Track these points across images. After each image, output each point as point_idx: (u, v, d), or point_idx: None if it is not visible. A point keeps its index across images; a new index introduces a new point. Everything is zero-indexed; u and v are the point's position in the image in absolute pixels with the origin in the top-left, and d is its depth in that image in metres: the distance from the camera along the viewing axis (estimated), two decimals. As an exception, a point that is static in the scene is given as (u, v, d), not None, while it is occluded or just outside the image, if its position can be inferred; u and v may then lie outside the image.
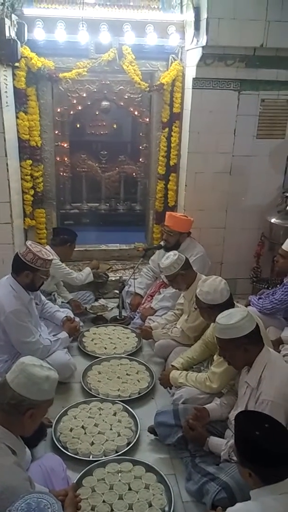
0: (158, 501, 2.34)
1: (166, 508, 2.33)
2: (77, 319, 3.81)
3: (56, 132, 4.85)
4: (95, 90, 4.81)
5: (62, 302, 4.09)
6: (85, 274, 4.32)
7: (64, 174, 5.37)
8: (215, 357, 2.84)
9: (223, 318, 2.36)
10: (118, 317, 4.29)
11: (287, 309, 3.56)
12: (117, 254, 5.17)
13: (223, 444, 2.44)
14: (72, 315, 3.73)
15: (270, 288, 4.10)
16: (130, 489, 2.40)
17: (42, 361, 1.98)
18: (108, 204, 5.85)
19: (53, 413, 2.95)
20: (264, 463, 1.65)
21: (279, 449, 1.64)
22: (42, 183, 4.62)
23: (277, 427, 1.73)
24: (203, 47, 3.84)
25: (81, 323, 4.00)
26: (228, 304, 2.76)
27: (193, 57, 4.13)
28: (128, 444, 2.75)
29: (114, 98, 4.97)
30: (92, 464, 2.54)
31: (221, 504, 2.20)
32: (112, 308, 4.42)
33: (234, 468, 2.31)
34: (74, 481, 2.37)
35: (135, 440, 2.78)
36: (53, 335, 3.41)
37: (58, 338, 3.36)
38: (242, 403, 2.43)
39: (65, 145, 5.24)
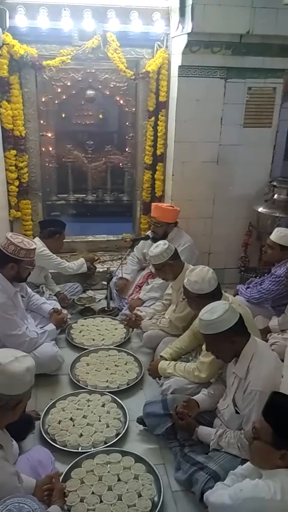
0: (147, 491, 2.34)
1: (156, 498, 2.32)
2: (64, 311, 3.78)
3: (41, 121, 4.76)
4: (79, 78, 4.72)
5: (50, 294, 4.04)
6: (78, 264, 4.25)
7: (50, 164, 5.29)
8: (203, 347, 2.83)
9: (205, 313, 2.35)
10: (106, 308, 4.27)
11: (275, 298, 3.58)
12: (104, 245, 5.13)
13: (212, 433, 2.44)
14: (59, 307, 3.70)
15: (258, 277, 4.11)
16: (119, 480, 2.39)
17: (14, 351, 1.95)
18: (95, 195, 5.78)
19: (41, 405, 2.94)
20: None
21: None
22: (27, 174, 4.54)
23: None
24: (188, 34, 3.79)
25: (69, 315, 3.98)
26: (216, 293, 2.75)
27: (178, 44, 4.08)
28: (117, 435, 2.74)
29: (100, 87, 4.88)
30: (81, 456, 2.52)
31: (210, 493, 2.23)
32: (100, 300, 4.40)
33: (222, 457, 2.32)
34: (63, 473, 2.36)
35: (124, 431, 2.78)
36: (40, 328, 3.38)
37: (45, 330, 3.33)
38: (231, 393, 2.44)
39: (50, 135, 5.15)
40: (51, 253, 3.97)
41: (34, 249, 3.12)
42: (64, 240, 4.21)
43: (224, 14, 3.70)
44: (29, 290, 3.54)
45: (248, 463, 1.94)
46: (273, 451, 1.72)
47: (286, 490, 1.65)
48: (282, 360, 2.29)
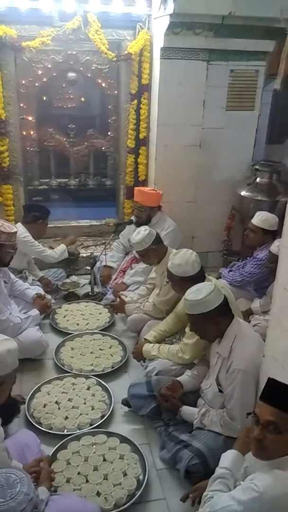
0: (132, 470, 2.39)
1: (141, 477, 2.37)
2: (48, 296, 3.78)
3: (21, 104, 4.68)
4: (60, 60, 4.63)
5: (33, 280, 4.03)
6: (59, 251, 4.21)
7: (31, 149, 5.22)
8: (187, 329, 2.86)
9: (191, 294, 2.38)
10: (90, 293, 4.27)
11: (257, 281, 3.63)
12: (88, 230, 5.11)
13: (195, 412, 2.49)
14: (42, 292, 3.69)
15: (240, 260, 4.16)
16: (104, 460, 2.44)
17: None
18: (77, 180, 5.74)
19: (26, 390, 2.96)
20: None
21: None
22: (7, 158, 4.46)
23: None
24: (170, 15, 3.74)
25: (53, 300, 3.97)
26: (200, 276, 2.78)
27: (160, 25, 4.02)
28: (102, 417, 2.78)
29: (81, 69, 4.80)
30: (67, 438, 2.56)
31: (194, 470, 2.29)
32: (84, 285, 4.40)
33: (206, 435, 2.38)
34: (49, 455, 2.39)
35: (109, 413, 2.81)
36: (24, 313, 3.37)
37: (29, 315, 3.33)
38: (214, 372, 2.49)
39: (31, 119, 5.07)
40: (33, 240, 3.94)
41: (15, 232, 3.09)
42: (47, 226, 4.16)
43: (206, -5, 3.66)
44: (12, 275, 3.51)
45: (227, 463, 1.86)
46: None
47: None
48: (264, 340, 2.35)
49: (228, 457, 1.89)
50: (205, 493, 1.81)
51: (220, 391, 2.42)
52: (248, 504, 1.56)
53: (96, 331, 3.68)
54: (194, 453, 2.30)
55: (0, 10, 3.95)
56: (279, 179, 4.27)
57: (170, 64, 4.11)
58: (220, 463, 1.90)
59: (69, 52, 4.55)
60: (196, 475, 2.31)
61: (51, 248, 4.69)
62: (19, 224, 3.91)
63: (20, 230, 3.64)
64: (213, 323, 2.37)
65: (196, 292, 2.37)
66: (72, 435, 2.58)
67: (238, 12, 3.76)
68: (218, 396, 2.45)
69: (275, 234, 3.50)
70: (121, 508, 2.21)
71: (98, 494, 2.24)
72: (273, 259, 3.06)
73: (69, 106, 5.52)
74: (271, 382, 1.70)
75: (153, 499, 2.33)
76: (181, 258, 2.80)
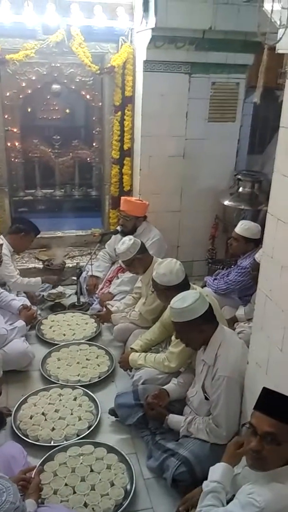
0: (120, 480, 2.39)
1: (128, 486, 2.38)
2: (33, 307, 3.77)
3: (6, 116, 4.70)
4: (44, 72, 4.67)
5: (18, 292, 4.00)
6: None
7: (16, 160, 5.22)
8: (172, 337, 2.89)
9: (176, 302, 2.41)
10: (76, 303, 4.27)
11: (241, 289, 3.68)
12: (73, 241, 5.12)
13: (181, 421, 2.51)
14: (28, 303, 3.68)
15: (225, 269, 4.21)
16: (92, 470, 2.43)
17: None
18: (63, 190, 5.75)
19: (12, 401, 2.94)
20: None
21: None
22: (-8, 169, 4.48)
23: None
24: (152, 29, 3.81)
25: (38, 311, 3.96)
26: (184, 284, 2.81)
27: (143, 39, 4.10)
28: (89, 427, 2.78)
29: (65, 81, 4.85)
30: (54, 450, 2.55)
31: (181, 478, 2.30)
32: (70, 295, 4.39)
33: (192, 443, 2.40)
34: (37, 467, 2.37)
35: (96, 423, 2.82)
36: (10, 324, 3.36)
37: (15, 326, 3.32)
38: (199, 380, 2.51)
39: (16, 130, 5.08)
40: (10, 262, 3.80)
41: (1, 245, 3.09)
42: (30, 242, 4.08)
43: (187, 10, 3.73)
44: (-3, 287, 3.51)
45: (218, 476, 1.84)
46: (284, 448, 1.60)
47: None
48: (248, 347, 2.38)
49: (218, 470, 1.86)
50: (198, 509, 1.78)
51: (206, 398, 2.45)
52: None
53: (82, 341, 3.68)
54: (181, 461, 2.32)
55: (-16, 24, 3.98)
56: (261, 188, 4.35)
57: (152, 77, 4.18)
58: (209, 476, 1.88)
59: (53, 65, 4.59)
60: (183, 483, 2.32)
61: (37, 259, 4.71)
62: (1, 237, 3.86)
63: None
64: (198, 330, 2.40)
65: (181, 300, 2.40)
66: (59, 446, 2.58)
67: (218, 26, 3.86)
68: (204, 404, 2.47)
69: (258, 242, 3.56)
70: (108, 519, 2.21)
71: (86, 505, 2.24)
72: (257, 267, 3.11)
73: (53, 117, 5.56)
74: (267, 392, 1.70)
75: (141, 508, 2.34)
76: (166, 268, 2.84)
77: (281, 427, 1.59)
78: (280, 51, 1.83)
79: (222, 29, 3.91)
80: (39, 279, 4.03)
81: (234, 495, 1.74)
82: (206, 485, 1.84)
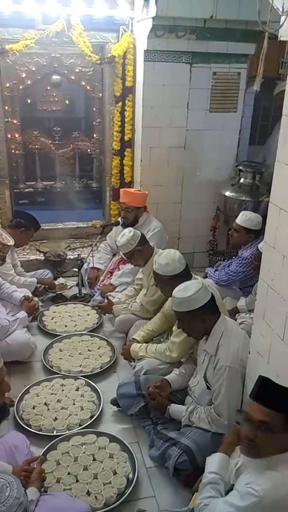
0: (122, 468, 2.41)
1: (131, 475, 2.40)
2: (35, 298, 3.78)
3: (6, 107, 4.67)
4: (44, 63, 4.64)
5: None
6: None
7: (16, 151, 5.20)
8: (174, 327, 2.90)
9: (179, 291, 2.42)
10: (77, 295, 4.28)
11: (242, 280, 3.69)
12: (74, 232, 5.12)
13: (183, 410, 2.52)
14: (30, 295, 3.68)
15: (226, 260, 4.21)
16: (94, 459, 2.45)
17: None
18: (63, 182, 5.73)
19: (15, 392, 2.94)
20: None
21: None
22: (-8, 161, 4.46)
23: None
24: (153, 18, 3.78)
25: (40, 303, 3.97)
26: (187, 272, 2.83)
27: (143, 28, 4.06)
28: (92, 417, 2.79)
29: (65, 71, 4.81)
30: (56, 439, 2.57)
31: (183, 467, 2.32)
32: (71, 286, 4.40)
33: (194, 432, 2.41)
34: (42, 456, 2.39)
35: (98, 413, 2.83)
36: (12, 315, 3.38)
37: (16, 318, 3.34)
38: (201, 370, 2.52)
39: (16, 122, 5.05)
40: (8, 261, 3.76)
41: (10, 246, 3.09)
42: (31, 238, 4.08)
43: (188, -2, 3.71)
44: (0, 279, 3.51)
45: (215, 467, 1.87)
46: (279, 436, 1.62)
47: None
48: (250, 337, 2.39)
49: (215, 461, 1.89)
50: (198, 501, 1.80)
51: (208, 388, 2.46)
52: (249, 510, 1.54)
53: (84, 332, 3.69)
54: (183, 450, 2.34)
55: (-17, 14, 3.95)
56: (262, 179, 4.34)
57: (153, 67, 4.15)
58: (207, 467, 1.91)
59: (53, 55, 4.56)
60: (184, 472, 2.35)
61: (39, 250, 4.71)
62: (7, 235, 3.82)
63: None
64: (200, 320, 2.41)
65: (184, 290, 2.40)
66: (62, 436, 2.60)
67: (219, 15, 3.82)
68: (205, 393, 2.48)
69: (259, 233, 3.56)
70: (111, 507, 2.23)
71: (88, 493, 2.26)
72: (260, 257, 3.11)
73: (53, 108, 5.52)
74: (262, 381, 1.70)
75: (143, 497, 2.36)
76: (167, 257, 2.84)
77: (275, 416, 1.60)
78: (282, 39, 1.81)
79: (223, 18, 3.88)
80: (34, 279, 3.99)
81: (233, 485, 1.76)
82: (204, 477, 1.87)
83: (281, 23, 1.76)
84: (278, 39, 1.87)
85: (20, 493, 1.43)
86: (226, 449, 1.95)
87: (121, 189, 4.28)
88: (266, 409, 1.62)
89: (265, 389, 1.67)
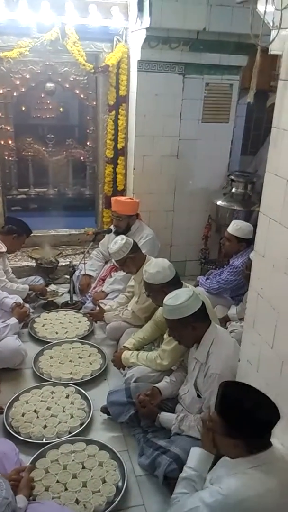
0: (111, 477, 2.40)
1: (120, 483, 2.38)
2: (26, 305, 3.76)
3: (0, 114, 4.69)
4: (39, 71, 4.68)
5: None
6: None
7: (10, 158, 5.23)
8: (165, 335, 2.91)
9: (170, 299, 2.43)
10: (69, 302, 4.27)
11: (233, 288, 3.71)
12: (66, 239, 5.13)
13: (173, 418, 2.52)
14: (21, 301, 3.68)
15: (217, 268, 4.23)
16: (83, 467, 2.44)
17: None
18: (56, 189, 5.76)
19: (4, 399, 2.94)
20: (253, 433, 1.64)
21: (267, 417, 1.64)
22: (-14, 167, 4.47)
23: (262, 396, 1.71)
24: (147, 29, 3.83)
25: (31, 310, 3.96)
26: (178, 280, 2.85)
27: (137, 39, 4.12)
28: (81, 425, 2.78)
29: (59, 80, 4.85)
30: (45, 447, 2.55)
31: (172, 475, 2.30)
32: (63, 293, 4.39)
33: (184, 440, 2.40)
34: (28, 464, 2.38)
35: (88, 420, 2.82)
36: (2, 322, 3.36)
37: (7, 324, 3.33)
38: (192, 378, 2.53)
39: (10, 128, 5.08)
40: (1, 271, 3.79)
41: (2, 252, 3.08)
42: (22, 244, 4.10)
43: (181, 10, 3.76)
44: (-10, 285, 3.51)
45: (194, 462, 1.91)
46: (226, 440, 1.70)
47: (263, 480, 1.59)
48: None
49: (194, 456, 1.93)
50: (173, 496, 1.85)
51: (198, 396, 2.46)
52: (213, 507, 1.60)
53: (75, 339, 3.68)
54: (172, 459, 2.33)
55: (-22, 21, 3.98)
56: (254, 189, 4.38)
57: (147, 77, 4.20)
58: (188, 460, 1.95)
59: (47, 63, 4.60)
60: (174, 481, 2.33)
61: (30, 257, 4.71)
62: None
63: None
64: (190, 328, 2.42)
65: (175, 298, 2.42)
66: (51, 444, 2.58)
67: (212, 27, 3.89)
68: (196, 401, 2.49)
69: (250, 242, 3.59)
70: (100, 515, 2.22)
71: (77, 501, 2.25)
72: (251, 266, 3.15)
73: (47, 116, 5.57)
74: (222, 389, 1.76)
75: (132, 505, 2.35)
76: (157, 266, 2.85)
77: (218, 420, 1.72)
78: (273, 52, 1.85)
79: (216, 30, 3.94)
80: (26, 286, 3.99)
81: None
82: (184, 471, 1.93)
83: (271, 37, 1.79)
84: (269, 53, 1.91)
85: (9, 493, 1.45)
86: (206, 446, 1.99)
87: (112, 198, 4.30)
88: (215, 412, 1.74)
89: (221, 394, 1.75)
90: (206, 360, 2.41)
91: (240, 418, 1.64)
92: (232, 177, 4.49)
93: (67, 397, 3.00)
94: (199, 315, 2.42)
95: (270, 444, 1.67)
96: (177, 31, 3.91)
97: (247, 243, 3.65)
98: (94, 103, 4.89)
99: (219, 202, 4.47)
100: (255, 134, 5.54)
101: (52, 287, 4.41)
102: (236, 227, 3.68)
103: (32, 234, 4.24)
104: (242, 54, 4.23)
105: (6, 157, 5.11)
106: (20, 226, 3.98)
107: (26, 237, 4.05)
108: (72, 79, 4.82)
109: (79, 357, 3.44)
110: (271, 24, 1.79)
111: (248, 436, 1.64)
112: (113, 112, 4.62)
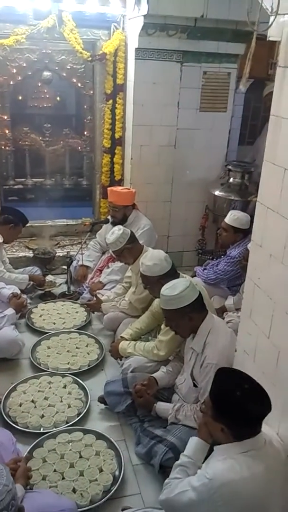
0: (108, 466, 2.41)
1: (117, 472, 2.40)
2: (23, 295, 3.76)
3: (-5, 103, 4.65)
4: (35, 59, 4.61)
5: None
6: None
7: (6, 147, 5.16)
8: (162, 326, 2.91)
9: (167, 289, 2.42)
10: (66, 292, 4.27)
11: (230, 278, 3.71)
12: (64, 230, 5.11)
13: (169, 408, 2.53)
14: (18, 292, 3.67)
15: (214, 259, 4.23)
16: (81, 457, 2.45)
17: None
18: (53, 179, 5.71)
19: (2, 389, 2.94)
20: (242, 422, 1.66)
21: (258, 409, 1.65)
22: (-18, 157, 4.43)
23: (256, 387, 1.72)
24: (144, 16, 3.78)
25: (29, 300, 3.95)
26: (174, 271, 2.84)
27: (135, 26, 4.06)
28: (79, 414, 2.79)
29: (56, 68, 4.79)
30: (43, 436, 2.56)
31: (168, 464, 2.31)
32: (60, 284, 4.38)
33: (180, 430, 2.42)
34: (25, 454, 2.39)
35: (85, 410, 2.83)
36: (0, 312, 3.35)
37: (4, 315, 3.32)
38: (188, 368, 2.53)
39: (6, 118, 5.02)
40: None
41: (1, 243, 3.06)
42: (19, 234, 4.06)
43: (179, -3, 3.71)
44: (-14, 275, 3.49)
45: (190, 451, 1.92)
46: (213, 423, 1.73)
47: (249, 464, 1.61)
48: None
49: (191, 445, 1.94)
50: (166, 480, 1.88)
51: (195, 385, 2.47)
52: (200, 490, 1.64)
53: (72, 330, 3.68)
54: (169, 447, 2.35)
55: (-26, 8, 3.92)
56: (251, 179, 4.36)
57: (144, 65, 4.15)
58: (185, 449, 1.95)
59: (44, 51, 4.54)
60: (170, 470, 2.34)
61: (27, 247, 4.69)
62: None
63: None
64: (187, 318, 2.42)
65: (172, 288, 2.41)
66: (48, 433, 2.59)
67: (210, 14, 3.84)
68: (192, 391, 2.49)
69: (247, 232, 3.58)
70: (96, 504, 2.23)
71: (74, 490, 2.26)
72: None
73: (44, 105, 5.48)
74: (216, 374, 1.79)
75: (129, 494, 2.36)
76: (153, 258, 2.84)
77: (208, 401, 1.76)
78: (271, 39, 1.83)
79: (213, 18, 3.90)
80: (26, 276, 3.99)
81: None
82: (179, 458, 1.94)
83: (269, 23, 1.77)
84: (267, 39, 1.88)
85: (9, 480, 1.42)
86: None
87: (108, 188, 4.27)
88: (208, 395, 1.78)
89: (214, 379, 1.78)
90: (202, 350, 2.41)
91: (229, 405, 1.67)
92: (229, 167, 4.47)
93: (65, 387, 3.01)
94: (196, 306, 2.41)
95: (259, 431, 1.68)
96: (175, 18, 3.86)
97: (244, 233, 3.64)
98: (91, 92, 4.84)
99: (216, 192, 4.45)
100: (253, 124, 5.49)
101: (49, 277, 4.40)
102: (233, 217, 3.66)
103: (29, 225, 4.20)
104: (240, 42, 4.18)
105: (2, 147, 5.05)
106: (16, 216, 3.94)
107: (22, 226, 4.02)
108: (69, 67, 4.75)
109: (77, 348, 3.44)
110: (270, 9, 1.76)
111: (235, 423, 1.66)
112: (110, 101, 4.59)
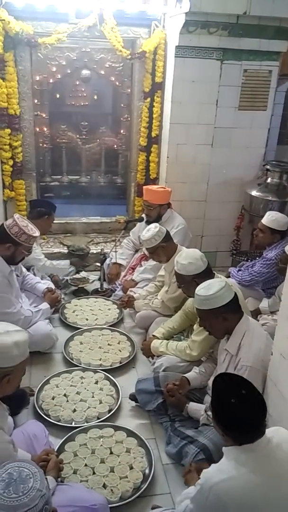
0: (138, 463, 2.41)
1: (147, 471, 2.39)
2: (58, 291, 3.81)
3: (35, 101, 4.72)
4: (75, 58, 4.67)
5: (42, 276, 4.02)
6: (59, 264, 4.04)
7: (44, 145, 5.26)
8: (195, 326, 2.88)
9: (202, 289, 2.39)
10: (99, 289, 4.30)
11: (265, 281, 3.64)
12: (98, 227, 5.15)
13: (201, 409, 2.51)
14: (53, 287, 3.72)
15: (249, 260, 4.16)
16: (111, 453, 2.46)
17: (8, 325, 1.93)
18: (89, 177, 5.76)
19: (35, 382, 2.99)
20: (236, 428, 1.65)
21: (252, 417, 1.64)
22: (21, 153, 4.51)
23: (253, 394, 1.71)
24: (186, 13, 3.76)
25: (63, 295, 4.00)
26: (209, 270, 2.80)
27: (175, 24, 4.04)
28: (110, 410, 2.80)
29: (95, 66, 4.83)
30: (74, 430, 2.58)
31: (199, 465, 2.30)
32: (93, 281, 4.41)
33: (212, 431, 2.38)
34: (57, 447, 2.42)
35: (116, 407, 2.84)
36: (35, 306, 3.41)
37: (39, 309, 3.36)
38: (222, 369, 2.49)
39: (45, 115, 5.11)
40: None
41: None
42: (53, 222, 4.11)
43: (221, -6, 3.67)
44: (24, 269, 3.56)
45: None
46: (217, 428, 1.73)
47: (243, 465, 1.61)
48: (273, 339, 2.35)
49: None
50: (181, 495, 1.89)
51: (228, 388, 2.44)
52: (196, 499, 1.66)
53: (105, 326, 3.70)
54: (200, 449, 2.32)
55: (18, 7, 4.00)
56: (290, 179, 4.27)
57: (184, 63, 4.13)
58: None
59: (84, 50, 4.59)
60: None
61: (62, 244, 4.76)
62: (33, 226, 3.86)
63: None
64: (222, 319, 2.38)
65: (207, 288, 2.38)
66: (80, 428, 2.61)
67: (253, 11, 3.78)
68: (225, 393, 2.46)
69: (285, 234, 3.51)
70: (126, 501, 2.23)
71: (104, 486, 2.27)
72: (286, 259, 3.08)
73: (82, 103, 5.54)
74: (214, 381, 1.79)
75: (159, 493, 2.35)
76: (188, 257, 2.81)
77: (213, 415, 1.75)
78: None
79: (256, 15, 3.84)
80: (67, 261, 4.08)
81: None
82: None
83: None
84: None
85: (43, 485, 1.37)
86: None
87: (143, 187, 4.27)
88: None
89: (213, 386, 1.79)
90: (237, 352, 2.37)
91: (223, 412, 1.68)
92: (267, 166, 4.39)
93: (96, 383, 3.03)
94: (231, 306, 2.37)
95: (260, 436, 1.64)
96: (217, 15, 3.82)
97: (282, 235, 3.57)
98: (129, 90, 4.85)
99: (253, 192, 4.38)
100: (294, 124, 5.39)
101: (83, 274, 4.44)
102: (271, 218, 3.59)
103: (64, 221, 4.25)
104: (282, 39, 4.10)
105: (40, 144, 5.14)
106: (47, 207, 3.98)
107: (54, 213, 4.05)
108: (107, 65, 4.79)
109: (108, 344, 3.46)
110: None
111: (229, 429, 1.66)
112: (148, 99, 4.58)
